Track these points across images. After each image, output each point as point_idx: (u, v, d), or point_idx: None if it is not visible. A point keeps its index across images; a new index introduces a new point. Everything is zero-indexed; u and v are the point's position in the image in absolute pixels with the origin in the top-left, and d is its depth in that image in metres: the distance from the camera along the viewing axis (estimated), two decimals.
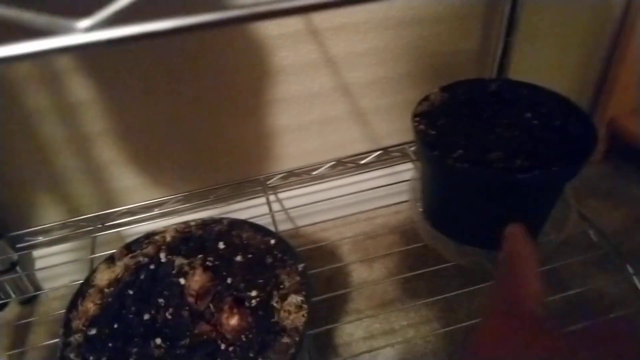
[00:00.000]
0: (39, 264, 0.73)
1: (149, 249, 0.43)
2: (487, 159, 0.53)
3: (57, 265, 0.71)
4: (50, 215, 0.70)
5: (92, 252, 0.65)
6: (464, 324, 0.59)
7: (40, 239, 0.70)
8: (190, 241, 0.44)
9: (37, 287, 0.74)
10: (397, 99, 0.75)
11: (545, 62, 0.77)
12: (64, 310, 0.70)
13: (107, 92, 0.62)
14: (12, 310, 0.73)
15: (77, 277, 0.72)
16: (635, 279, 0.60)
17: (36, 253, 0.72)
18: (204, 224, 0.46)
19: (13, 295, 0.72)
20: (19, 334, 0.69)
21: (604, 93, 0.83)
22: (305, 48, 0.66)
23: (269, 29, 0.63)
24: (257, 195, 0.77)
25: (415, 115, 0.58)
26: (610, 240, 0.63)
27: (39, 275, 0.74)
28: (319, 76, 0.69)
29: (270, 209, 0.71)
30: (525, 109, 0.59)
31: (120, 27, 0.21)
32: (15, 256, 0.69)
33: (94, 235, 0.68)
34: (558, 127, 0.57)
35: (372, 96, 0.74)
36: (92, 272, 0.42)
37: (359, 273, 0.74)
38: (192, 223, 0.46)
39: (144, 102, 0.64)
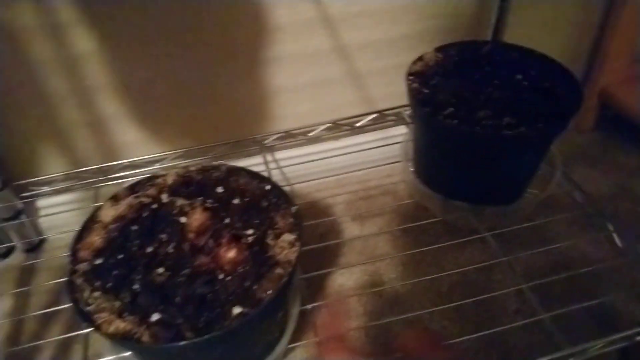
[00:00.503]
0: (42, 213, 0.75)
1: (152, 191, 0.46)
2: (476, 117, 0.55)
3: (60, 213, 0.74)
4: (54, 166, 0.72)
5: (96, 202, 0.67)
6: (449, 273, 0.62)
7: (45, 188, 0.73)
8: (190, 185, 0.46)
9: (42, 235, 0.77)
10: (393, 62, 0.77)
11: (540, 29, 0.78)
12: (66, 254, 0.74)
13: (109, 45, 0.63)
14: (17, 257, 0.76)
15: (79, 227, 0.76)
16: (615, 236, 0.63)
17: (40, 203, 0.75)
18: (204, 169, 0.48)
19: (18, 242, 0.75)
20: (24, 279, 0.72)
21: (596, 62, 0.84)
22: (301, 6, 0.67)
23: None
24: (254, 154, 0.79)
25: (409, 74, 0.60)
26: (594, 202, 0.66)
27: (43, 224, 0.77)
28: (315, 36, 0.70)
29: (267, 167, 0.74)
30: (516, 70, 0.61)
31: None
32: (20, 204, 0.72)
33: (97, 186, 0.71)
34: (547, 88, 0.59)
35: (368, 58, 0.75)
36: (97, 209, 0.44)
37: (351, 230, 0.77)
38: (192, 168, 0.48)
39: (144, 58, 0.65)
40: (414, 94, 0.58)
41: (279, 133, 0.79)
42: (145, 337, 0.34)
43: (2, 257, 0.76)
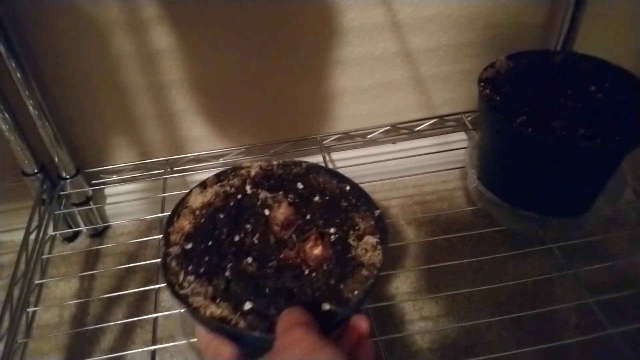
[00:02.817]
0: (110, 201, 0.78)
1: (235, 181, 0.47)
2: (550, 127, 0.54)
3: (126, 202, 0.77)
4: (124, 156, 0.75)
5: (163, 192, 0.70)
6: (507, 284, 0.62)
7: (114, 177, 0.76)
8: (271, 178, 0.47)
9: (107, 222, 0.81)
10: (457, 68, 0.76)
11: (612, 39, 0.76)
12: (131, 241, 0.76)
13: (185, 43, 0.65)
14: (83, 242, 0.80)
15: (143, 216, 0.78)
16: None
17: (108, 190, 0.78)
18: (285, 164, 0.49)
19: (84, 227, 0.78)
20: (89, 263, 0.76)
21: None
22: (373, 10, 0.68)
23: None
24: (313, 154, 0.80)
25: (480, 80, 0.60)
26: None
27: (110, 211, 0.80)
28: (382, 40, 0.71)
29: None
30: (589, 81, 0.60)
31: None
32: (89, 191, 0.75)
33: (163, 177, 0.73)
34: (621, 101, 0.57)
35: (432, 63, 0.75)
36: (186, 194, 0.46)
37: (406, 234, 0.77)
38: (274, 162, 0.49)
39: (215, 56, 0.68)
40: (486, 100, 0.58)
41: (338, 134, 0.80)
42: (242, 324, 0.35)
43: (69, 240, 0.79)
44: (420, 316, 0.66)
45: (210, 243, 0.41)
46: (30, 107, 0.64)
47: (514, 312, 0.64)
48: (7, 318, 0.56)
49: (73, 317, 0.69)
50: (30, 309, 0.60)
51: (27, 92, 0.62)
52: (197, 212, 0.44)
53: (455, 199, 0.81)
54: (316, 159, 0.79)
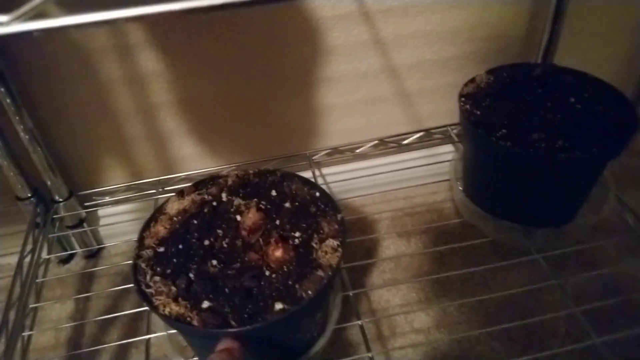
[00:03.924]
0: (103, 222, 0.79)
1: (213, 189, 0.50)
2: (530, 139, 0.56)
3: (120, 223, 0.78)
4: (116, 177, 0.76)
5: None
6: (497, 294, 0.62)
7: (107, 198, 0.77)
8: (247, 186, 0.50)
9: (101, 243, 0.81)
10: (442, 82, 0.78)
11: (591, 51, 0.78)
12: (125, 262, 0.77)
13: (172, 66, 0.67)
14: (78, 263, 0.81)
15: (137, 236, 0.79)
16: None
17: (102, 212, 0.79)
18: (260, 173, 0.52)
19: (79, 249, 0.79)
20: (84, 284, 0.76)
21: None
22: (356, 29, 0.69)
23: (324, 10, 0.66)
24: (303, 170, 0.81)
25: (461, 96, 0.62)
26: None
27: (103, 232, 0.81)
28: (367, 57, 0.72)
29: (316, 182, 0.76)
30: (568, 93, 0.62)
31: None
32: (83, 213, 0.76)
33: (155, 197, 0.74)
34: (601, 112, 0.59)
35: (417, 78, 0.77)
36: (165, 202, 0.48)
37: (397, 246, 0.78)
38: (250, 171, 0.52)
39: (203, 77, 0.69)
40: (466, 115, 0.59)
41: (327, 149, 0.81)
42: (196, 322, 0.38)
43: (63, 262, 0.80)
44: (411, 328, 0.66)
45: (180, 247, 0.44)
46: (21, 132, 0.65)
47: (504, 323, 0.64)
48: (3, 342, 0.57)
49: (69, 339, 0.69)
50: (26, 333, 0.60)
51: (17, 118, 0.64)
52: (174, 219, 0.46)
53: (444, 210, 0.82)
54: (306, 175, 0.80)
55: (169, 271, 0.43)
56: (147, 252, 0.45)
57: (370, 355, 0.53)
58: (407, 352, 0.64)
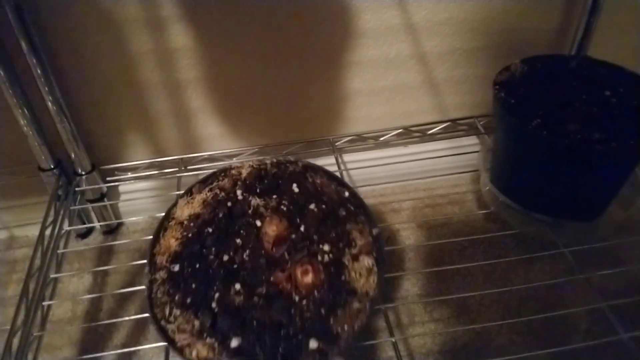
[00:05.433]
0: (124, 198, 0.79)
1: (225, 183, 0.45)
2: (565, 130, 0.55)
3: (140, 199, 0.77)
4: (138, 153, 0.76)
5: (178, 190, 0.71)
6: (519, 287, 0.62)
7: (129, 174, 0.77)
8: (265, 178, 0.45)
9: (120, 219, 0.81)
10: (470, 72, 0.77)
11: (626, 44, 0.76)
12: (144, 238, 0.77)
13: (202, 43, 0.66)
14: (96, 238, 0.80)
15: (156, 213, 0.79)
16: None
17: (123, 188, 0.78)
18: (279, 163, 0.47)
19: (97, 224, 0.79)
20: (102, 259, 0.76)
21: None
22: (388, 13, 0.68)
23: None
24: (325, 155, 0.80)
25: (495, 83, 0.60)
26: None
27: (123, 208, 0.80)
28: (397, 42, 0.71)
29: (339, 169, 0.75)
30: (603, 86, 0.60)
31: None
32: (104, 188, 0.76)
33: (177, 175, 0.74)
34: (636, 106, 0.58)
35: (445, 67, 0.76)
36: (172, 206, 0.44)
37: (417, 237, 0.77)
38: (267, 161, 0.47)
39: (231, 56, 0.68)
40: (501, 102, 0.58)
41: (350, 135, 0.80)
42: None
43: (82, 237, 0.80)
44: (430, 318, 0.66)
45: (197, 265, 0.40)
46: (49, 103, 0.65)
47: (525, 316, 0.64)
48: (22, 311, 0.57)
49: (86, 313, 0.69)
50: (46, 302, 0.60)
51: (46, 88, 0.63)
52: (185, 224, 0.42)
53: (467, 203, 0.81)
54: (328, 160, 0.80)
55: (189, 301, 0.38)
56: (161, 275, 0.40)
57: (393, 339, 0.53)
58: (425, 342, 0.63)
